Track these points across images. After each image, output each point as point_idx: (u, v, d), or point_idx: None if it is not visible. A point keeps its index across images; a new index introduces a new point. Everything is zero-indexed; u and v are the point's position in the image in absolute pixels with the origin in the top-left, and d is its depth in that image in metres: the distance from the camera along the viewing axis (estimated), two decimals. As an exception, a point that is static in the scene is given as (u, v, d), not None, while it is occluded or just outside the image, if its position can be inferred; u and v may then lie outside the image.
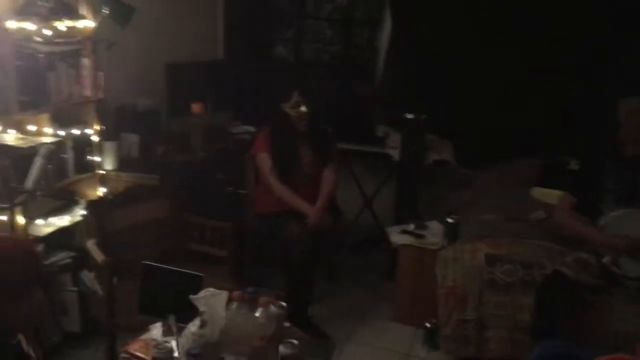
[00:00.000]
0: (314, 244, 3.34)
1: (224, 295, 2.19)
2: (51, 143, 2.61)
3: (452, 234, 3.46)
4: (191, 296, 2.16)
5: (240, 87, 4.67)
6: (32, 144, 2.64)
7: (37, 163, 2.30)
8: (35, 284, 1.63)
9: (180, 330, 2.21)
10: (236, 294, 2.23)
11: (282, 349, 2.07)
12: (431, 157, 4.35)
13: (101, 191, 3.24)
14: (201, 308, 2.14)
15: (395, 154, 4.40)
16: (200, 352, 2.01)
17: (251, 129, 4.51)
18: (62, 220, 3.08)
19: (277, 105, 3.50)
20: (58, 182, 3.04)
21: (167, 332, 2.25)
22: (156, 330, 2.26)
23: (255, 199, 3.69)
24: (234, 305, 2.22)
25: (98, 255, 2.76)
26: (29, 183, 2.28)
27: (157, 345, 2.04)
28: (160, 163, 3.66)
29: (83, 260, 3.12)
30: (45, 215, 2.99)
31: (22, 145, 2.62)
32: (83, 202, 3.17)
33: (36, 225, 2.87)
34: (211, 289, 2.22)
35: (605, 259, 2.88)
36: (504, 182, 4.23)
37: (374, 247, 4.64)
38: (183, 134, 3.97)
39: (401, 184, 4.37)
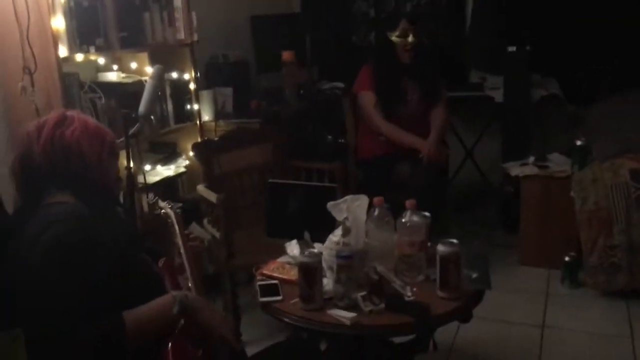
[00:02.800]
0: (429, 183, 3.07)
1: (365, 200, 1.95)
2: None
3: (582, 159, 3.11)
4: (331, 203, 1.94)
5: (321, 44, 4.49)
6: (137, 80, 2.51)
7: (149, 85, 2.15)
8: None
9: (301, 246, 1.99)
10: (377, 199, 1.99)
11: (441, 248, 1.81)
12: (538, 94, 4.02)
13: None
14: (343, 215, 1.91)
15: (497, 95, 4.08)
16: (351, 254, 1.78)
17: (340, 84, 4.29)
18: (168, 170, 2.94)
19: (366, 55, 3.26)
20: (160, 129, 2.90)
21: (304, 249, 2.03)
22: (292, 248, 2.05)
23: (358, 144, 3.46)
24: (376, 211, 1.98)
25: (211, 196, 2.59)
26: (142, 108, 2.13)
27: (305, 250, 1.82)
28: (256, 116, 3.49)
29: (190, 212, 2.96)
30: (152, 164, 2.85)
31: (127, 82, 2.48)
32: (185, 154, 3.03)
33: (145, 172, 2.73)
34: (351, 195, 1.99)
35: None
36: (621, 115, 3.85)
37: (479, 201, 4.34)
38: (274, 87, 3.80)
39: (508, 126, 4.03)
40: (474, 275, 1.92)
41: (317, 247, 1.98)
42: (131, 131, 2.11)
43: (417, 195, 3.02)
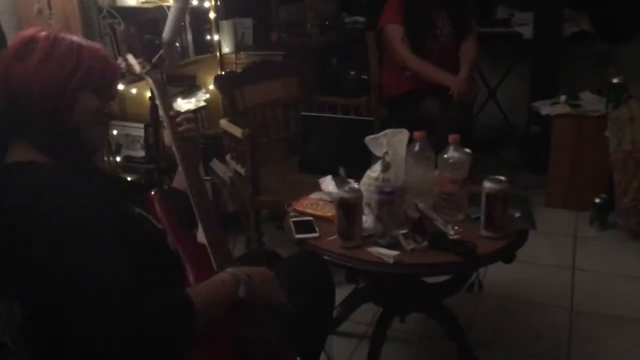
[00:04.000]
0: (458, 121, 2.95)
1: (406, 134, 1.85)
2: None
3: (617, 97, 2.98)
4: (370, 137, 1.84)
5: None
6: (157, 6, 2.36)
7: (173, 9, 2.02)
8: None
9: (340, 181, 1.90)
10: (419, 133, 1.89)
11: (487, 184, 1.72)
12: (568, 30, 3.84)
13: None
14: (383, 149, 1.82)
15: (526, 31, 3.90)
16: (393, 190, 1.69)
17: (361, 19, 4.11)
18: (188, 104, 2.83)
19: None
20: (179, 61, 2.77)
21: (340, 185, 1.95)
22: (327, 184, 1.96)
23: (382, 81, 3.32)
24: (417, 146, 1.88)
25: (236, 131, 2.48)
26: (166, 34, 2.00)
27: (344, 186, 1.73)
28: (277, 48, 3.34)
29: (211, 148, 2.87)
30: (171, 97, 2.73)
31: (147, 7, 2.33)
32: (204, 87, 2.91)
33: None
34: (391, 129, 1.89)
35: None
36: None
37: (501, 142, 4.23)
38: (295, 20, 3.63)
39: (536, 65, 3.88)
40: (517, 215, 1.84)
41: (340, 181, 1.90)
42: (154, 59, 1.98)
43: (445, 133, 2.95)
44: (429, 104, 3.04)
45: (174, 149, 1.38)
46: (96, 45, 1.19)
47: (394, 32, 3.11)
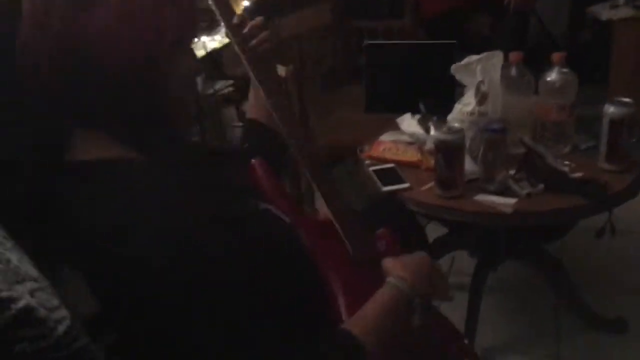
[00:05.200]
0: (519, 35, 2.64)
1: (500, 56, 1.56)
2: None
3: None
4: (458, 64, 1.55)
5: None
6: None
7: None
8: None
9: (438, 121, 1.62)
10: (515, 54, 1.59)
11: (611, 109, 1.44)
12: None
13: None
14: (477, 78, 1.53)
15: None
16: (503, 127, 1.42)
17: None
18: (212, 42, 2.50)
19: None
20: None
21: (422, 123, 1.67)
22: (408, 123, 1.68)
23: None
24: (513, 70, 1.59)
25: (278, 69, 2.17)
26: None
27: (442, 126, 1.45)
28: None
29: (244, 89, 2.56)
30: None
31: None
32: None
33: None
34: (475, 55, 1.59)
35: None
36: None
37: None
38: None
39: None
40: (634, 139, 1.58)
41: (439, 121, 1.62)
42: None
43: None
44: (479, 22, 2.71)
45: (248, 69, 1.00)
46: None
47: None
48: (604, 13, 2.88)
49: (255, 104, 1.14)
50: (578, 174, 1.45)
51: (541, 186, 1.43)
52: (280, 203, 0.91)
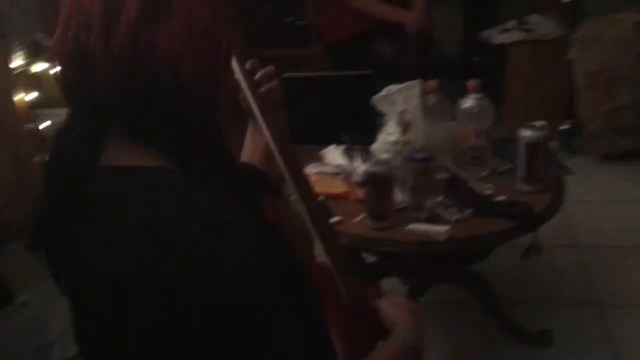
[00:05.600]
0: (421, 61, 2.71)
1: (419, 86, 1.59)
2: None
3: (572, 18, 2.87)
4: (380, 94, 1.56)
5: None
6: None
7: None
8: None
9: (362, 152, 1.63)
10: (432, 83, 1.63)
11: (527, 133, 1.51)
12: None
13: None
14: (399, 107, 1.55)
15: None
16: (429, 156, 1.44)
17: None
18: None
19: None
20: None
21: (347, 155, 1.66)
22: (333, 154, 1.67)
23: (323, 24, 2.99)
24: (432, 98, 1.63)
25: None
26: None
27: (371, 159, 1.45)
28: None
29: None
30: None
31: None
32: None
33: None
34: (395, 85, 1.61)
35: None
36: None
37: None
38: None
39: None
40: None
41: (363, 151, 1.63)
42: None
43: (408, 78, 2.70)
44: (383, 47, 2.76)
45: (257, 116, 0.95)
46: None
47: (333, -35, 2.78)
48: (496, 37, 3.05)
49: (251, 148, 1.08)
50: (502, 197, 1.49)
51: (469, 211, 1.46)
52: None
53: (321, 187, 1.63)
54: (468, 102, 1.61)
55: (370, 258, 1.89)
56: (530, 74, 3.01)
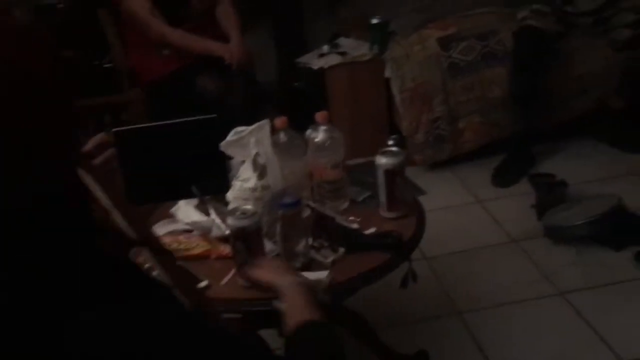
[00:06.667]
0: (248, 93, 2.65)
1: (268, 125, 1.49)
2: None
3: (382, 38, 2.99)
4: (229, 139, 1.43)
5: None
6: None
7: None
8: None
9: (217, 203, 1.49)
10: (281, 120, 1.54)
11: (383, 160, 1.48)
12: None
13: None
14: (252, 151, 1.43)
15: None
16: (297, 199, 1.34)
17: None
18: None
19: None
20: None
21: (201, 209, 1.50)
22: (185, 211, 1.49)
23: (133, 65, 2.77)
24: (282, 136, 1.54)
25: None
26: None
27: (235, 212, 1.31)
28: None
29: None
30: None
31: None
32: None
33: None
34: (242, 127, 1.50)
35: (558, 1, 2.77)
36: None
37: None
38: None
39: (280, 21, 3.70)
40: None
41: (217, 203, 1.49)
42: None
43: (238, 112, 2.60)
44: (204, 83, 2.64)
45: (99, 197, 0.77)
46: None
47: (138, 2, 2.59)
48: (315, 62, 3.07)
49: None
50: (372, 229, 1.45)
51: (342, 250, 1.39)
52: None
53: (177, 248, 1.45)
54: (319, 136, 1.55)
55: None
56: (352, 95, 3.08)
